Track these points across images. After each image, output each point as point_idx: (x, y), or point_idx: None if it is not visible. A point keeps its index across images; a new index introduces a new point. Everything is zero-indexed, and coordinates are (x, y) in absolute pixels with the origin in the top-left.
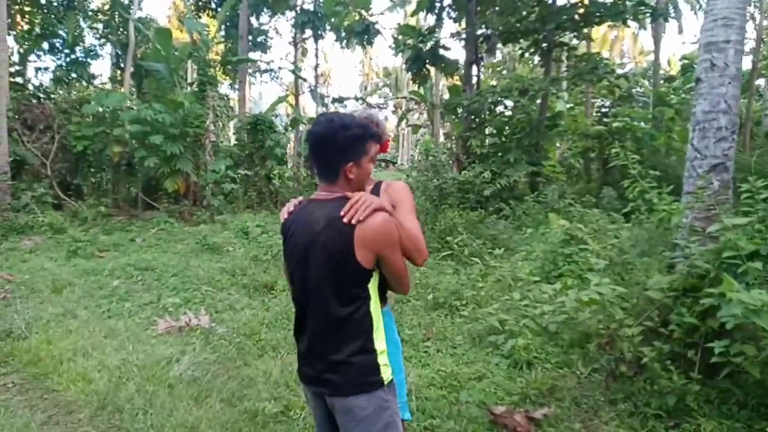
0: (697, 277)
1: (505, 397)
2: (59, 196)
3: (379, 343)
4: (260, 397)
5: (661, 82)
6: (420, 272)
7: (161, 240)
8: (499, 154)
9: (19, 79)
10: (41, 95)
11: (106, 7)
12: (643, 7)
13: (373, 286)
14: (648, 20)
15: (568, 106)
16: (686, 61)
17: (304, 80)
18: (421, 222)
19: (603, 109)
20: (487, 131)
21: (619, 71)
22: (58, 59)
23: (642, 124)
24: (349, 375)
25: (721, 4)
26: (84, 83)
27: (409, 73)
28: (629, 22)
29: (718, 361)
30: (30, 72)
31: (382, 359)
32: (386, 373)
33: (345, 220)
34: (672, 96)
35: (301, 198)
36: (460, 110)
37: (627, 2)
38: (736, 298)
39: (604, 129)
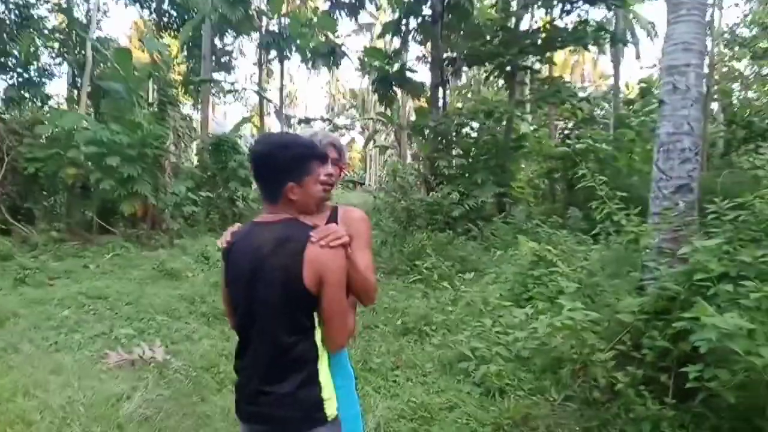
0: (667, 300)
1: (478, 428)
2: (7, 221)
3: (323, 375)
4: None
5: (621, 104)
6: (388, 296)
7: (116, 266)
8: (467, 175)
9: None
10: None
11: (63, 25)
12: (603, 33)
13: (319, 316)
14: (607, 45)
15: (532, 128)
16: (644, 85)
17: (269, 101)
18: (389, 244)
19: (566, 131)
20: (454, 152)
21: (581, 94)
22: (10, 78)
23: (603, 145)
24: (293, 410)
25: (680, 29)
26: (38, 103)
27: (376, 94)
28: (590, 47)
29: (691, 386)
30: None
31: (326, 393)
32: (330, 408)
33: (314, 239)
34: (632, 118)
35: (238, 225)
36: (427, 131)
37: (588, 28)
38: (711, 322)
39: (568, 150)
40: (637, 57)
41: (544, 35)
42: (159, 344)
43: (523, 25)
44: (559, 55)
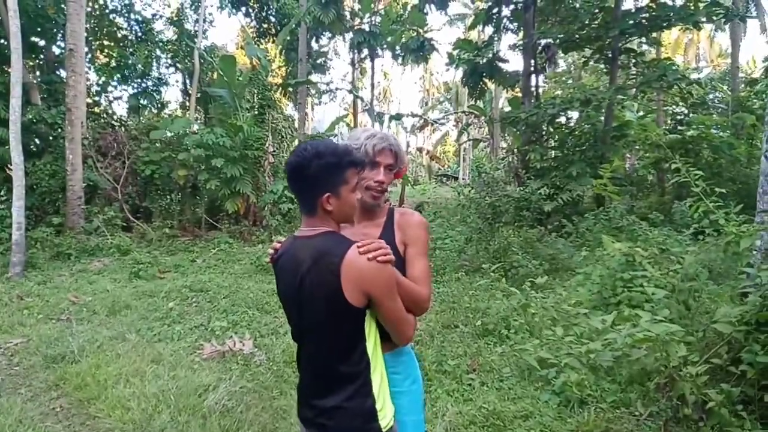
0: None
1: None
2: (129, 219)
3: (377, 386)
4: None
5: (742, 86)
6: (469, 295)
7: (220, 261)
8: (561, 167)
9: (96, 109)
10: (115, 123)
11: (175, 37)
12: (716, 8)
13: (369, 325)
14: (722, 21)
15: (639, 114)
16: None
17: (362, 99)
18: (474, 241)
19: (678, 117)
20: (547, 144)
21: (694, 76)
22: (133, 88)
23: (719, 132)
24: (343, 421)
25: None
26: (154, 110)
27: (467, 87)
28: (703, 24)
29: None
30: (106, 101)
31: (380, 404)
32: (384, 420)
33: (361, 250)
34: (754, 100)
35: (281, 238)
36: (519, 123)
37: (699, 3)
38: None
39: (678, 138)
40: (762, 31)
41: (647, 14)
42: (248, 337)
43: (627, 4)
44: (669, 35)
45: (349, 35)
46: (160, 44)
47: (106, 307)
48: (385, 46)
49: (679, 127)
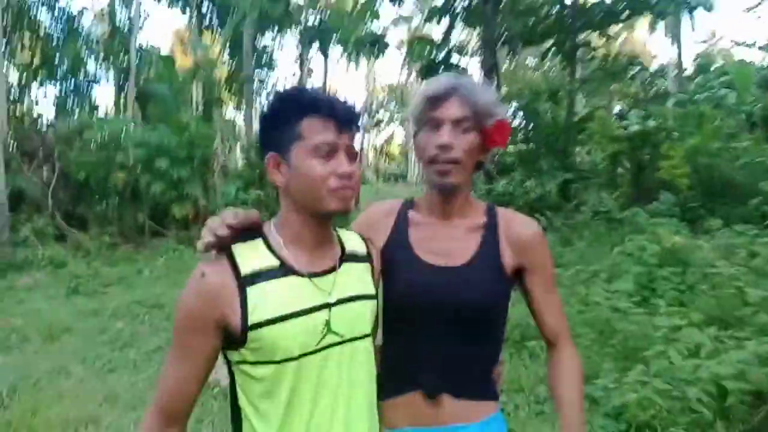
0: None
1: None
2: (61, 228)
3: None
4: None
5: (683, 80)
6: None
7: (170, 270)
8: (530, 162)
9: (18, 109)
10: (41, 124)
11: (106, 34)
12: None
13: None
14: (661, 22)
15: (585, 109)
16: (703, 60)
17: None
18: None
19: (631, 112)
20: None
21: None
22: (60, 87)
23: (671, 122)
24: None
25: None
26: (86, 110)
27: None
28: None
29: None
30: (30, 101)
31: None
32: None
33: None
34: (698, 95)
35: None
36: None
37: None
38: None
39: (639, 130)
40: (693, 30)
41: (607, 7)
42: (223, 362)
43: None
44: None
45: (297, 30)
46: (89, 40)
47: (41, 332)
48: (336, 41)
49: (634, 121)
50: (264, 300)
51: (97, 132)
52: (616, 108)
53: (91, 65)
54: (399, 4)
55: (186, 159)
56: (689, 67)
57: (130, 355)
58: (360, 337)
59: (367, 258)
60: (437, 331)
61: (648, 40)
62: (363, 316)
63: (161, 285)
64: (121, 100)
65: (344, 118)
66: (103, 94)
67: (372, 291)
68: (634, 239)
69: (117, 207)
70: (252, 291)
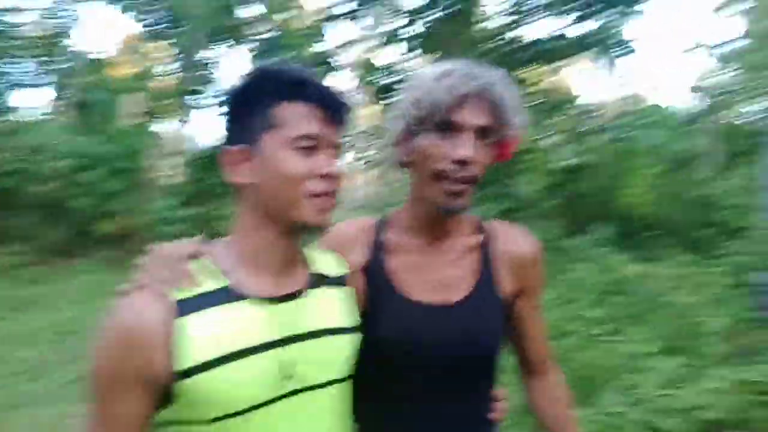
0: None
1: None
2: None
3: None
4: None
5: (611, 118)
6: None
7: (92, 293)
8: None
9: None
10: None
11: (42, 39)
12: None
13: None
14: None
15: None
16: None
17: None
18: None
19: (564, 144)
20: None
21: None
22: None
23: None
24: None
25: None
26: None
27: (377, 106)
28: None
29: None
30: None
31: None
32: None
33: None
34: (626, 133)
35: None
36: None
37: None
38: None
39: (573, 165)
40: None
41: (550, 45)
42: None
43: (532, 34)
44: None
45: (249, 46)
46: (18, 41)
47: None
48: (288, 58)
49: (569, 155)
50: (202, 334)
51: (17, 139)
52: (552, 140)
53: (22, 68)
54: (354, 20)
55: (120, 171)
56: (621, 105)
57: (38, 388)
58: (330, 382)
59: (345, 281)
60: (431, 387)
61: (583, 76)
62: (337, 356)
63: (79, 309)
64: (55, 107)
65: (334, 108)
66: (37, 100)
67: (351, 322)
68: (577, 268)
69: (37, 221)
70: (186, 322)
